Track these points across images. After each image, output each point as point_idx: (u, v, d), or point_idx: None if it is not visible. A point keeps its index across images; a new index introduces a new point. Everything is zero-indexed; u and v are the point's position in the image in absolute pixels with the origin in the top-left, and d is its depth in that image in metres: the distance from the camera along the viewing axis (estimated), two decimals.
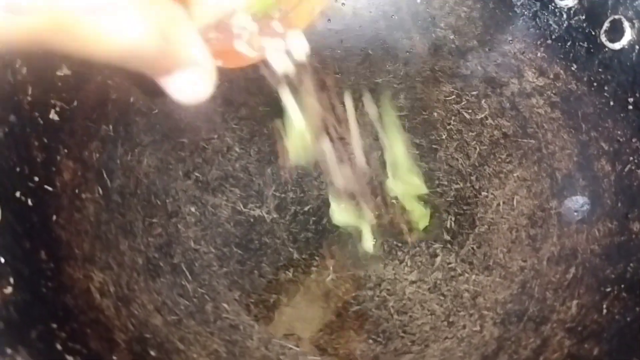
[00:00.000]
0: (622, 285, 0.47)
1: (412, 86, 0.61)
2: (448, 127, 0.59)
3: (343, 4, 0.62)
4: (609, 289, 0.48)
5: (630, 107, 0.52)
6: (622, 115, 0.52)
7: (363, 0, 0.62)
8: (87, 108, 0.53)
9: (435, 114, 0.60)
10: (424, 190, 0.56)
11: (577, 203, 0.53)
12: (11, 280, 0.41)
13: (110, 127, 0.54)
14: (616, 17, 0.52)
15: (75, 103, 0.52)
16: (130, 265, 0.51)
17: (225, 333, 0.51)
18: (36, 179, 0.48)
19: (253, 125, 0.59)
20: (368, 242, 0.53)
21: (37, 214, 0.47)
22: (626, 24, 0.52)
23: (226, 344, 0.50)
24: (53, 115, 0.50)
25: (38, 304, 0.43)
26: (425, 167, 0.58)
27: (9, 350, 0.38)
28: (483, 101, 0.59)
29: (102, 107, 0.54)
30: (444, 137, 0.59)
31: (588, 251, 0.51)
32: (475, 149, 0.58)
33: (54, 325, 0.43)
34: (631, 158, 0.51)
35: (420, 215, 0.54)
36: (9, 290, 0.41)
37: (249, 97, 0.60)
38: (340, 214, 0.53)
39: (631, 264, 0.48)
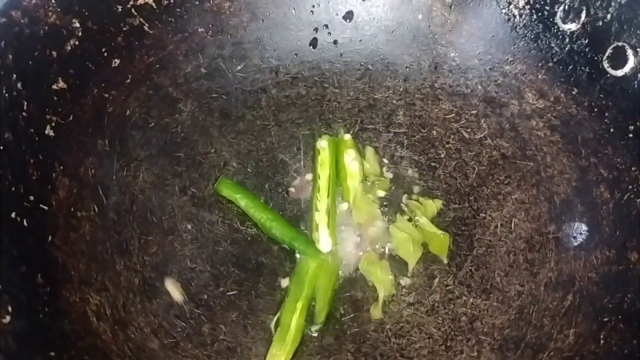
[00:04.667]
0: (620, 316, 0.48)
1: (412, 103, 0.60)
2: (447, 146, 0.59)
3: (344, 17, 0.61)
4: (606, 319, 0.48)
5: (631, 135, 0.52)
6: (622, 142, 0.52)
7: (364, 14, 0.61)
8: (83, 122, 0.52)
9: (434, 131, 0.59)
10: (438, 205, 0.56)
11: (575, 229, 0.53)
12: (9, 309, 0.40)
13: (106, 141, 0.53)
14: (619, 44, 0.52)
15: (71, 117, 0.51)
16: (127, 286, 0.50)
17: (223, 356, 0.50)
18: (31, 198, 0.47)
19: (250, 140, 0.58)
20: (377, 310, 0.53)
21: (33, 236, 0.46)
22: (629, 52, 0.52)
23: None
24: (49, 131, 0.49)
25: (36, 332, 0.42)
26: (424, 186, 0.58)
27: None
28: (482, 121, 0.59)
29: (98, 121, 0.53)
30: (442, 155, 0.59)
31: (586, 279, 0.51)
32: (474, 169, 0.58)
33: (52, 354, 0.42)
34: (630, 187, 0.51)
35: (440, 242, 0.54)
36: (7, 319, 0.40)
37: (246, 110, 0.59)
38: (371, 265, 0.53)
39: (629, 295, 0.48)
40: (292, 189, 0.57)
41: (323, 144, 0.57)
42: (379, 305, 0.52)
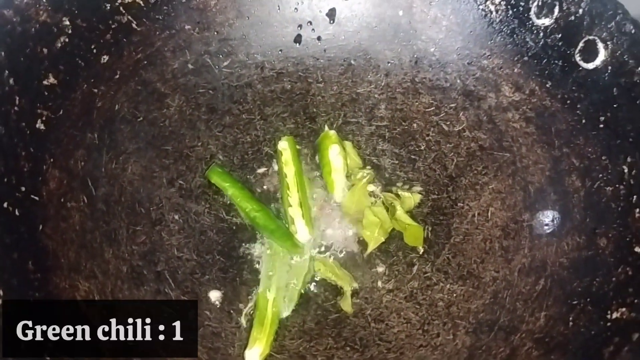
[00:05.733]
0: (588, 299, 0.50)
1: (393, 97, 0.62)
2: (427, 138, 0.61)
3: (327, 14, 0.63)
4: (575, 302, 0.50)
5: (602, 125, 0.54)
6: (593, 133, 0.54)
7: (346, 11, 0.63)
8: (73, 116, 0.54)
9: (414, 124, 0.61)
10: (417, 199, 0.58)
11: (548, 217, 0.55)
12: (0, 293, 0.42)
13: (96, 135, 0.55)
14: (591, 37, 0.54)
15: (61, 112, 0.53)
16: (115, 273, 0.52)
17: (208, 340, 0.52)
18: (23, 188, 0.49)
19: (237, 133, 0.60)
20: (347, 302, 0.54)
21: (25, 224, 0.48)
22: (600, 45, 0.53)
23: (208, 351, 0.52)
24: (39, 125, 0.51)
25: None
26: (404, 177, 0.60)
27: None
28: (461, 114, 0.61)
29: (88, 115, 0.55)
30: (422, 147, 0.61)
31: (557, 264, 0.53)
32: (453, 160, 0.60)
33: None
34: (600, 175, 0.53)
35: (414, 234, 0.56)
36: None
37: (232, 105, 0.61)
38: (327, 267, 0.55)
39: (597, 279, 0.50)
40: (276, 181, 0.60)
41: (283, 144, 0.58)
42: (348, 300, 0.54)
